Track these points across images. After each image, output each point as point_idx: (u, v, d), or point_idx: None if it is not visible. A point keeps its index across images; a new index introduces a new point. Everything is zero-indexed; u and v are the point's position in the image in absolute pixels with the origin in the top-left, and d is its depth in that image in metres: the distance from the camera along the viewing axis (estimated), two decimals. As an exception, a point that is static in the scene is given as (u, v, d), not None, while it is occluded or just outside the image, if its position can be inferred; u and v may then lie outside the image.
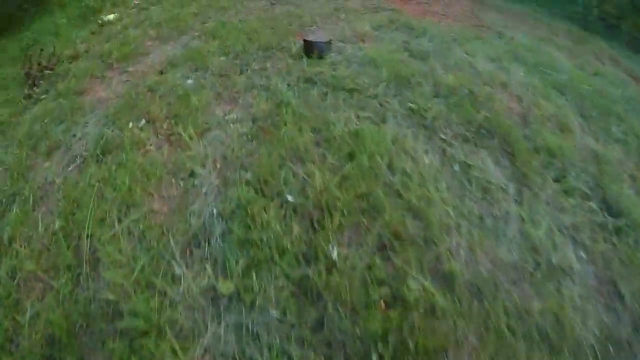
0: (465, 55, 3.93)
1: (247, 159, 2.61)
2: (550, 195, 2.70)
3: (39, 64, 4.27)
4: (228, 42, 3.90)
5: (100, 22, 4.93)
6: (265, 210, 2.30)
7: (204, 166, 2.67)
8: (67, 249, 2.39)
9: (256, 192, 2.38)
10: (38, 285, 2.33)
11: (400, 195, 2.37)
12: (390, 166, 2.52)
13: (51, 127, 3.39)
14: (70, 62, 4.28)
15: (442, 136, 2.82)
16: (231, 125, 2.90)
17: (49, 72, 4.18)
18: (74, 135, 3.23)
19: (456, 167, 2.64)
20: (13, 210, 2.72)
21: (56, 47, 4.49)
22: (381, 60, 3.50)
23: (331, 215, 2.24)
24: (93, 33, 4.80)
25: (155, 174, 2.66)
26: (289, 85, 3.18)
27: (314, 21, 4.32)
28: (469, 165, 2.68)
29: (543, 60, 4.40)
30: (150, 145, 2.91)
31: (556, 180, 2.80)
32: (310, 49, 3.58)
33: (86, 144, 3.07)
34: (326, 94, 3.07)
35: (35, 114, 3.62)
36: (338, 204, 2.27)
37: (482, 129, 2.96)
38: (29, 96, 3.96)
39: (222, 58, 3.67)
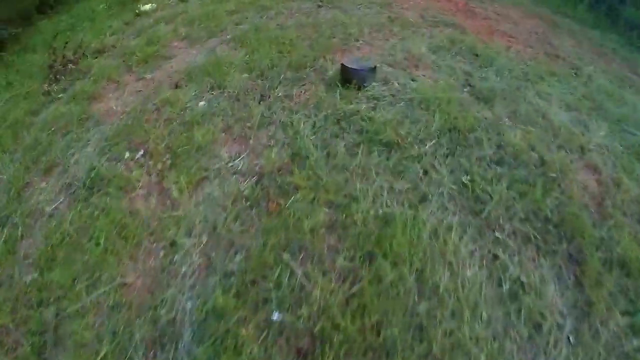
0: (538, 100, 2.91)
1: (239, 238, 1.94)
2: (613, 335, 1.81)
3: (64, 57, 3.78)
4: (256, 53, 3.15)
5: (137, 11, 4.34)
6: (244, 324, 1.65)
7: (189, 235, 2.05)
8: (37, 307, 1.95)
9: (238, 296, 1.72)
10: (10, 338, 1.93)
11: (422, 331, 1.60)
12: (420, 280, 1.74)
13: (56, 138, 2.92)
14: (95, 57, 3.75)
15: (497, 233, 1.98)
16: (232, 177, 2.22)
17: (71, 67, 3.69)
18: (73, 154, 2.73)
19: (506, 286, 1.81)
20: (2, 237, 2.32)
21: (84, 39, 3.98)
22: (435, 100, 2.60)
23: (323, 351, 1.55)
24: (127, 24, 4.22)
25: (134, 236, 2.09)
26: (313, 126, 2.41)
27: (361, 33, 3.43)
28: (523, 285, 1.83)
29: (625, 112, 3.20)
30: (140, 189, 2.34)
31: (625, 313, 1.90)
32: (348, 77, 2.75)
33: (80, 170, 2.57)
34: (358, 146, 2.27)
35: (46, 118, 3.16)
36: (336, 337, 1.56)
37: (549, 224, 2.06)
38: (48, 93, 3.50)
39: (245, 75, 2.94)
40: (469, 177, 2.16)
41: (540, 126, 2.69)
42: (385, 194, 2.03)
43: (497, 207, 2.06)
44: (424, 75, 2.98)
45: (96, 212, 2.28)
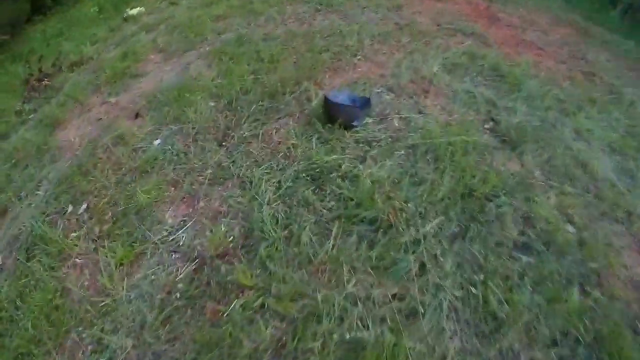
0: (577, 143, 2.07)
1: (166, 350, 1.35)
2: None
3: (40, 71, 3.25)
4: (229, 74, 2.44)
5: (125, 16, 3.70)
6: None
7: (116, 332, 1.49)
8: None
9: None
10: None
11: None
12: None
13: (15, 173, 2.43)
14: (72, 71, 3.19)
15: (515, 369, 1.28)
16: (171, 257, 1.62)
17: (46, 82, 3.16)
18: (26, 197, 2.23)
19: None
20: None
21: (65, 49, 3.42)
22: (447, 148, 1.81)
23: None
24: (112, 30, 3.60)
25: (63, 324, 1.57)
26: (278, 187, 1.73)
27: (361, 46, 2.63)
28: None
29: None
30: (76, 257, 1.79)
31: None
32: (332, 113, 2.03)
33: (27, 221, 2.04)
34: (332, 222, 1.55)
35: (13, 145, 2.65)
36: None
37: (579, 346, 1.32)
38: (20, 113, 3.01)
39: (211, 104, 2.26)
40: (482, 277, 1.44)
41: (580, 182, 1.87)
42: (359, 305, 1.35)
43: (516, 327, 1.34)
44: (435, 105, 2.18)
45: (32, 282, 1.80)
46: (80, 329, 1.60)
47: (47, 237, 1.90)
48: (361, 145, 1.91)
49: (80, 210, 1.99)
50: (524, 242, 1.56)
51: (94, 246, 1.82)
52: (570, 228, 1.66)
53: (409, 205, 1.58)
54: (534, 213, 1.65)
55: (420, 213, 1.57)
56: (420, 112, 2.13)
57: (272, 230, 1.54)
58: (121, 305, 1.58)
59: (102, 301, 1.63)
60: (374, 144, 1.92)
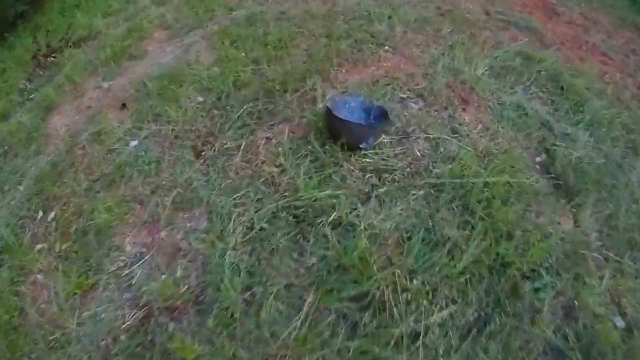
0: None
1: None
2: None
3: (48, 46, 3.06)
4: (227, 62, 2.06)
5: (143, -15, 3.37)
6: None
7: None
8: None
9: None
10: None
11: None
12: None
13: (4, 162, 2.29)
14: (79, 47, 2.97)
15: None
16: (123, 296, 1.36)
17: (52, 59, 2.97)
18: (9, 192, 2.08)
19: None
20: None
21: (77, 21, 3.20)
22: (482, 192, 1.35)
23: None
24: (127, 1, 3.33)
25: (18, 349, 1.41)
26: (249, 227, 1.37)
27: (391, 34, 2.10)
28: None
29: None
30: (38, 274, 1.61)
31: None
32: (335, 130, 1.61)
33: (2, 222, 1.90)
34: (307, 290, 1.15)
35: (8, 128, 2.50)
36: None
37: None
38: (23, 91, 2.87)
39: (199, 99, 1.89)
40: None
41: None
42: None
43: None
44: (474, 123, 1.67)
45: (-2, 287, 1.65)
46: (33, 356, 1.45)
47: (13, 247, 1.73)
48: (368, 176, 1.48)
49: (49, 218, 1.79)
50: (558, 345, 1.11)
51: (54, 264, 1.62)
52: (619, 322, 1.18)
53: (415, 279, 1.17)
54: (579, 301, 1.18)
55: (428, 292, 1.15)
56: (454, 132, 1.64)
57: (230, 289, 1.21)
58: (68, 344, 1.38)
59: (53, 333, 1.44)
60: (385, 176, 1.47)
